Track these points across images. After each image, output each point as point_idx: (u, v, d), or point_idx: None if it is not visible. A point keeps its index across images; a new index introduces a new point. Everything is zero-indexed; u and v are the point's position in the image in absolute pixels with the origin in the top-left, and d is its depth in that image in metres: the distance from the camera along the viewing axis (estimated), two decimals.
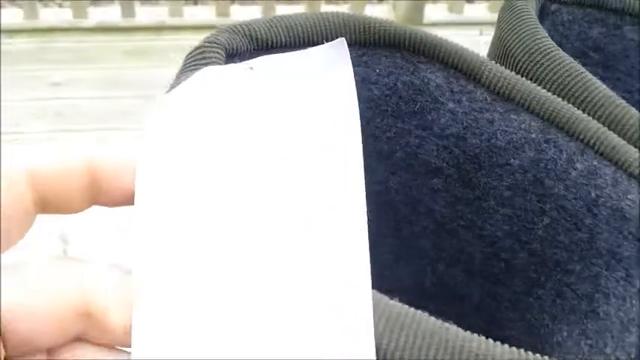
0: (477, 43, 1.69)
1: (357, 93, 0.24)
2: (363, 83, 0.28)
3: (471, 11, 1.81)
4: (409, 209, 0.32)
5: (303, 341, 0.20)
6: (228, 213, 0.21)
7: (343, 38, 0.24)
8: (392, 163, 0.30)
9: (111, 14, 1.70)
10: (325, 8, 1.75)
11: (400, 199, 0.32)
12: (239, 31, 0.26)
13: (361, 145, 0.21)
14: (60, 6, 1.93)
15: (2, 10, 1.69)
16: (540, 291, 0.31)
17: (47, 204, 0.22)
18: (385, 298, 0.21)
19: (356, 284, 0.20)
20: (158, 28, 1.68)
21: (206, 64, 0.25)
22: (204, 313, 0.20)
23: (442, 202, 0.31)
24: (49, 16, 1.71)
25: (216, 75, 0.24)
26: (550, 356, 0.27)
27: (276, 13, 1.72)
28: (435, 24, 1.74)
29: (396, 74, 0.28)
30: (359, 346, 0.19)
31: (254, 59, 0.24)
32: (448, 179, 0.30)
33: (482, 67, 0.26)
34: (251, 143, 0.22)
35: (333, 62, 0.23)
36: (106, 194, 0.22)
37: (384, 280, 0.26)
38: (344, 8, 1.79)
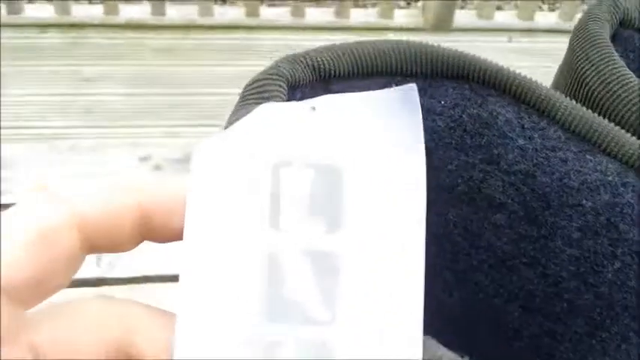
0: (505, 49, 1.68)
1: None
2: (427, 114, 0.27)
3: (501, 17, 1.78)
4: (468, 243, 0.31)
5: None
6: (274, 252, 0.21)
7: (414, 85, 0.22)
8: (453, 196, 0.29)
9: (141, 12, 1.71)
10: (353, 13, 1.73)
11: (459, 232, 0.31)
12: (301, 61, 0.25)
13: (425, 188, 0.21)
14: (90, 2, 1.93)
15: (34, 4, 1.70)
16: (604, 334, 0.29)
17: (95, 246, 0.21)
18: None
19: (408, 311, 0.20)
20: (188, 27, 1.68)
21: (268, 98, 0.23)
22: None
23: (504, 238, 0.29)
24: (80, 12, 1.72)
25: (276, 113, 0.23)
26: None
27: (306, 16, 1.72)
28: (463, 29, 1.72)
29: (463, 106, 0.26)
30: None
31: (316, 99, 0.23)
32: (512, 215, 0.28)
33: (557, 104, 0.25)
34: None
35: (401, 108, 0.22)
36: (156, 232, 0.22)
37: (438, 312, 0.25)
38: (372, 12, 1.77)
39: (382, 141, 0.22)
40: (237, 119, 0.23)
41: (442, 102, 0.26)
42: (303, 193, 0.22)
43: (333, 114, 0.23)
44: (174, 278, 0.20)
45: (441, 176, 0.29)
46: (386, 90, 0.23)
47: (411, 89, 0.23)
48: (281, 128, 0.22)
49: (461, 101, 0.26)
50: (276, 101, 0.24)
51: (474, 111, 0.26)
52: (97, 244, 0.21)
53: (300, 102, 0.23)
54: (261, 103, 0.24)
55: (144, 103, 1.53)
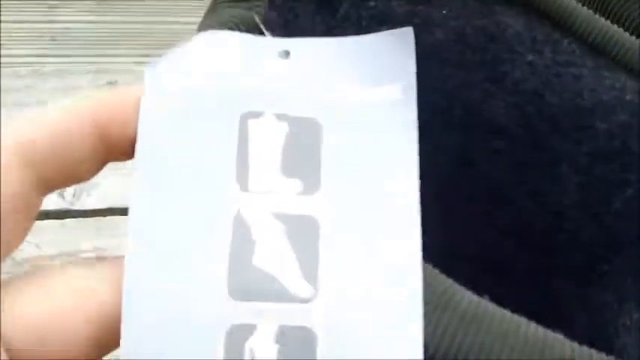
0: None
1: (416, 36, 0.20)
2: (424, 26, 0.24)
3: None
4: (460, 172, 0.28)
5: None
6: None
7: (411, 29, 0.20)
8: (446, 120, 0.27)
9: None
10: None
11: (450, 160, 0.28)
12: None
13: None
14: None
15: None
16: (606, 267, 0.27)
17: (52, 181, 0.18)
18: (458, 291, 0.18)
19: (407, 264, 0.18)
20: None
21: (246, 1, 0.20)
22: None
23: (502, 165, 0.27)
24: None
25: (243, 48, 0.20)
26: (614, 339, 0.24)
27: None
28: None
29: (466, 17, 0.24)
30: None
31: (291, 40, 0.20)
32: (513, 140, 0.26)
33: (574, 13, 0.22)
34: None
35: (393, 57, 0.20)
36: (115, 147, 0.19)
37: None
38: None
39: (368, 95, 0.20)
40: (211, 25, 0.20)
41: (444, 11, 0.23)
42: (274, 150, 0.19)
43: (310, 62, 0.20)
44: None
45: (434, 97, 0.26)
46: (375, 35, 0.20)
47: (407, 34, 0.20)
48: (249, 71, 0.20)
49: (464, 11, 0.23)
50: (258, 4, 0.21)
51: (479, 22, 0.23)
52: (54, 178, 0.18)
53: (271, 39, 0.20)
54: (235, 8, 0.21)
55: (110, 31, 1.46)
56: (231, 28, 0.21)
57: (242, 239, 0.18)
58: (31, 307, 0.18)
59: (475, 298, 0.18)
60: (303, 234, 0.18)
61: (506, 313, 0.17)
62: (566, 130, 0.24)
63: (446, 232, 0.31)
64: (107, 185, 0.96)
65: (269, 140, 0.19)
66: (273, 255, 0.18)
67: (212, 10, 0.21)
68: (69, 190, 0.94)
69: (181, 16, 1.45)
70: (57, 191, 0.79)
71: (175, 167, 0.18)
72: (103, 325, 0.17)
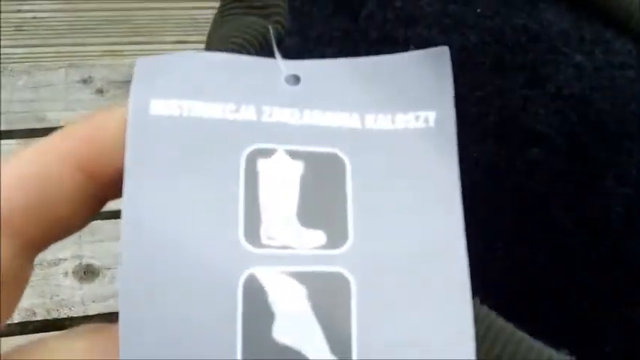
0: None
1: (446, 39, 0.18)
2: (456, 27, 0.21)
3: None
4: (491, 185, 0.26)
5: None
6: None
7: (446, 48, 0.17)
8: (478, 129, 0.24)
9: None
10: None
11: (482, 170, 0.25)
12: None
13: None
14: None
15: None
16: None
17: (42, 239, 0.16)
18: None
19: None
20: None
21: (262, 9, 0.17)
22: None
23: (537, 177, 0.24)
24: None
25: (246, 72, 0.17)
26: None
27: None
28: None
29: (504, 15, 0.21)
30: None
31: (301, 63, 0.17)
32: (553, 150, 0.23)
33: (631, 9, 0.19)
34: None
35: (426, 79, 0.17)
36: (108, 180, 0.16)
37: None
38: None
39: (397, 123, 0.17)
40: (220, 37, 0.17)
41: (478, 10, 0.21)
42: (290, 195, 0.16)
43: (323, 87, 0.17)
44: None
45: (466, 105, 0.23)
46: (405, 54, 0.17)
47: (443, 53, 0.17)
48: (253, 99, 0.17)
49: (503, 8, 0.21)
50: (276, 11, 0.18)
51: (519, 21, 0.21)
52: (40, 234, 0.16)
53: (279, 62, 0.17)
54: (249, 15, 0.18)
55: (83, 19, 1.41)
56: (238, 45, 0.18)
57: (256, 309, 0.15)
58: None
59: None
60: (331, 296, 0.15)
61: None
62: (614, 139, 0.22)
63: (475, 247, 0.28)
64: None
65: (282, 184, 0.16)
66: (297, 325, 0.15)
67: (220, 17, 0.17)
68: None
69: (162, 2, 1.41)
70: None
71: (169, 220, 0.15)
72: None
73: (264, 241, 0.15)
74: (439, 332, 0.15)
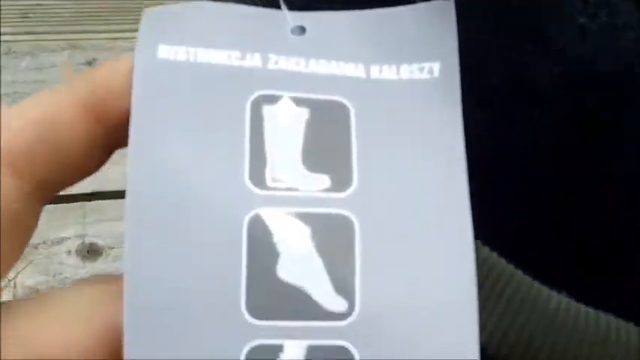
0: None
1: None
2: None
3: None
4: (491, 145, 0.26)
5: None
6: None
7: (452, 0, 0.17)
8: (482, 89, 0.24)
9: None
10: None
11: (480, 133, 0.26)
12: None
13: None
14: None
15: None
16: None
17: (53, 183, 0.16)
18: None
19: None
20: None
21: None
22: None
23: (541, 137, 0.25)
24: None
25: (251, 23, 0.17)
26: None
27: None
28: None
29: None
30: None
31: (307, 14, 0.17)
32: (557, 110, 0.23)
33: None
34: None
35: (429, 31, 0.17)
36: (117, 124, 0.16)
37: None
38: None
39: (402, 73, 0.17)
40: None
41: None
42: (295, 140, 0.16)
43: (329, 37, 0.17)
44: None
45: (465, 65, 0.24)
46: (410, 7, 0.18)
47: (447, 5, 0.17)
48: (259, 48, 0.17)
49: None
50: None
51: None
52: (51, 177, 0.16)
53: (284, 13, 0.17)
54: None
55: (85, 7, 1.42)
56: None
57: (261, 247, 0.15)
58: (33, 333, 0.15)
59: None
60: (335, 237, 0.16)
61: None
62: (619, 100, 0.22)
63: (481, 213, 0.29)
64: None
65: (288, 129, 0.16)
66: (301, 265, 0.15)
67: None
68: None
69: None
70: None
71: (174, 161, 0.16)
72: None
73: (269, 183, 0.16)
74: (440, 275, 0.15)
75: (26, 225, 0.16)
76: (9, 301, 0.16)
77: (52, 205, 0.89)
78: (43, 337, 0.15)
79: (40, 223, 0.17)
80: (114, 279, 0.16)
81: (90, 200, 0.82)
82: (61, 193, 0.17)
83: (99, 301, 0.16)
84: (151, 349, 0.15)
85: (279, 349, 0.15)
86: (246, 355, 0.15)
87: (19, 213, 0.15)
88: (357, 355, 0.15)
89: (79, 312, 0.16)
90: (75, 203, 0.83)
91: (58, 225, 0.80)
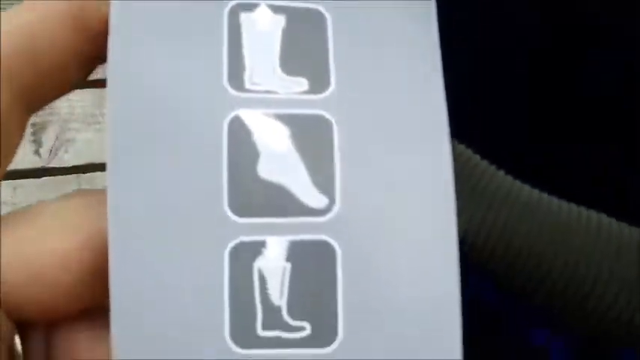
0: None
1: None
2: None
3: None
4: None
5: None
6: None
7: None
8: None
9: None
10: None
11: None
12: None
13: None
14: None
15: None
16: None
17: (36, 91, 0.16)
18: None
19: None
20: None
21: None
22: None
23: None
24: None
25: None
26: None
27: None
28: None
29: None
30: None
31: None
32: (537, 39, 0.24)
33: None
34: None
35: None
36: (98, 35, 0.17)
37: None
38: None
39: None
40: None
41: None
42: (272, 46, 0.17)
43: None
44: None
45: None
46: None
47: None
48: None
49: None
50: None
51: None
52: (36, 83, 0.16)
53: None
54: None
55: None
56: None
57: (241, 147, 0.16)
58: (21, 241, 0.16)
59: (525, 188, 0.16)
60: (314, 137, 0.16)
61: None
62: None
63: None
64: (82, 141, 0.93)
65: (265, 35, 0.17)
66: (281, 163, 0.16)
67: None
68: (45, 147, 0.91)
69: None
70: (32, 150, 0.76)
71: (154, 69, 0.16)
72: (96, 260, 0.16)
73: (247, 86, 0.16)
74: (418, 176, 0.16)
75: (15, 134, 0.16)
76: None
77: (48, 178, 0.89)
78: (30, 245, 0.16)
79: (35, 195, 0.17)
80: (98, 191, 0.17)
81: (85, 172, 0.83)
82: (56, 165, 0.18)
83: (84, 210, 0.16)
84: (135, 252, 0.15)
85: (261, 245, 0.16)
86: (230, 252, 0.15)
87: (11, 119, 0.16)
88: (338, 250, 0.16)
89: (65, 221, 0.16)
90: (69, 176, 0.84)
91: (53, 197, 0.80)
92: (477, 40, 0.25)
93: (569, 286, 0.15)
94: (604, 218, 0.15)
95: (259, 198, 0.16)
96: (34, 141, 0.90)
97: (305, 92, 0.16)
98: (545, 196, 0.16)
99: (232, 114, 0.16)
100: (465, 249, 0.15)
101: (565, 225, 0.15)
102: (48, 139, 0.91)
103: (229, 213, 0.16)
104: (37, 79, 0.16)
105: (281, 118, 0.16)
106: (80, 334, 0.17)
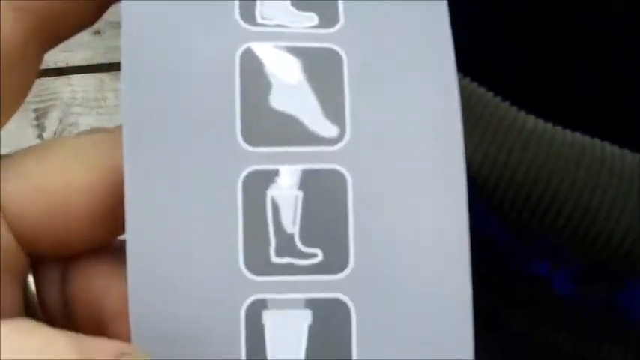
0: None
1: None
2: None
3: None
4: None
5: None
6: None
7: None
8: None
9: None
10: None
11: None
12: None
13: None
14: None
15: None
16: None
17: (51, 28, 0.17)
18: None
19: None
20: None
21: None
22: None
23: None
24: None
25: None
26: None
27: None
28: None
29: None
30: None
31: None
32: None
33: None
34: None
35: None
36: None
37: None
38: None
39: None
40: None
41: None
42: None
43: None
44: None
45: None
46: None
47: None
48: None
49: None
50: None
51: None
52: (49, 19, 0.16)
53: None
54: None
55: None
56: None
57: (253, 78, 0.16)
58: (40, 172, 0.16)
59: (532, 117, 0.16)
60: (324, 69, 0.16)
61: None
62: None
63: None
64: (85, 125, 0.93)
65: None
66: (292, 94, 0.16)
67: None
68: (48, 132, 0.91)
69: None
70: (36, 134, 0.76)
71: (167, 8, 0.16)
72: (112, 196, 0.16)
73: (259, 20, 0.16)
74: (426, 100, 0.16)
75: (28, 67, 0.17)
76: (8, 153, 0.17)
77: None
78: (48, 177, 0.16)
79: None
80: (114, 128, 0.17)
81: None
82: None
83: (101, 147, 0.17)
84: (149, 186, 0.16)
85: (274, 173, 0.16)
86: (243, 180, 0.16)
87: (25, 52, 0.16)
88: (349, 179, 0.16)
89: (83, 156, 0.17)
90: None
91: None
92: None
93: (574, 213, 0.16)
94: (607, 146, 0.16)
95: (271, 128, 0.16)
96: (37, 125, 0.90)
97: (315, 27, 0.17)
98: (549, 125, 0.16)
99: (244, 46, 0.16)
100: (470, 179, 0.16)
101: (570, 153, 0.16)
102: (51, 123, 0.91)
103: (242, 142, 0.16)
104: (52, 11, 0.16)
105: (292, 50, 0.16)
106: (96, 271, 0.18)
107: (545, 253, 0.17)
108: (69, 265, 0.18)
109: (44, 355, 0.14)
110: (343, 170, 0.16)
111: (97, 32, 0.93)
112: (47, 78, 0.91)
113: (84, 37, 0.95)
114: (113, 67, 0.94)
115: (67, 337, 0.14)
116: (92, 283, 0.17)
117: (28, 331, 0.14)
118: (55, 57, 0.89)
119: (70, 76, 0.91)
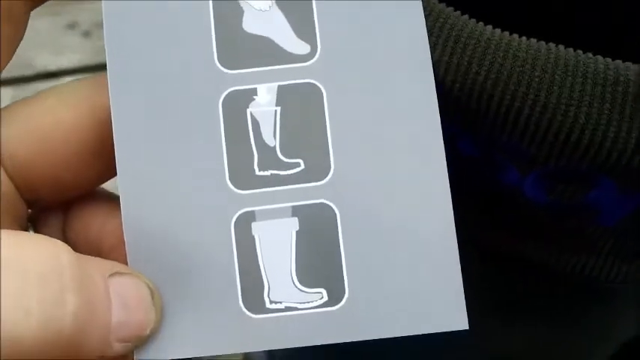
0: None
1: None
2: None
3: None
4: None
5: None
6: None
7: None
8: None
9: None
10: None
11: None
12: None
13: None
14: None
15: None
16: None
17: None
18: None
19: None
20: None
21: None
22: None
23: None
24: None
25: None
26: None
27: None
28: None
29: None
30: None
31: None
32: None
33: None
34: None
35: None
36: None
37: None
38: None
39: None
40: None
41: None
42: None
43: None
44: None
45: None
46: None
47: None
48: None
49: None
50: None
51: None
52: None
53: None
54: None
55: None
56: None
57: (226, 5, 0.17)
58: (31, 114, 0.17)
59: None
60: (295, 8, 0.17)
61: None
62: None
63: None
64: None
65: None
66: (265, 18, 0.17)
67: None
68: None
69: None
70: None
71: None
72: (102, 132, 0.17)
73: None
74: (393, 21, 0.17)
75: (18, 21, 0.17)
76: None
77: None
78: (38, 119, 0.17)
79: None
80: (99, 75, 0.18)
81: None
82: None
83: (85, 87, 0.18)
84: (134, 111, 0.17)
85: (252, 92, 0.17)
86: (223, 100, 0.17)
87: (15, 6, 0.17)
88: (324, 90, 0.17)
89: (68, 97, 0.18)
90: None
91: None
92: None
93: (533, 112, 0.17)
94: (561, 47, 0.17)
95: (246, 51, 0.17)
96: None
97: None
98: (506, 33, 0.17)
99: None
100: (440, 90, 0.17)
101: (526, 55, 0.17)
102: None
103: (220, 66, 0.17)
104: None
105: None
106: (93, 213, 0.18)
107: (514, 160, 0.18)
108: (68, 213, 0.19)
109: (47, 266, 0.15)
110: (317, 83, 0.17)
111: (86, 34, 0.94)
112: (39, 82, 0.92)
113: (74, 39, 0.96)
114: (104, 68, 0.94)
115: (69, 254, 0.15)
116: (90, 222, 0.18)
117: (34, 242, 0.15)
118: (45, 61, 0.91)
119: (61, 78, 0.92)
